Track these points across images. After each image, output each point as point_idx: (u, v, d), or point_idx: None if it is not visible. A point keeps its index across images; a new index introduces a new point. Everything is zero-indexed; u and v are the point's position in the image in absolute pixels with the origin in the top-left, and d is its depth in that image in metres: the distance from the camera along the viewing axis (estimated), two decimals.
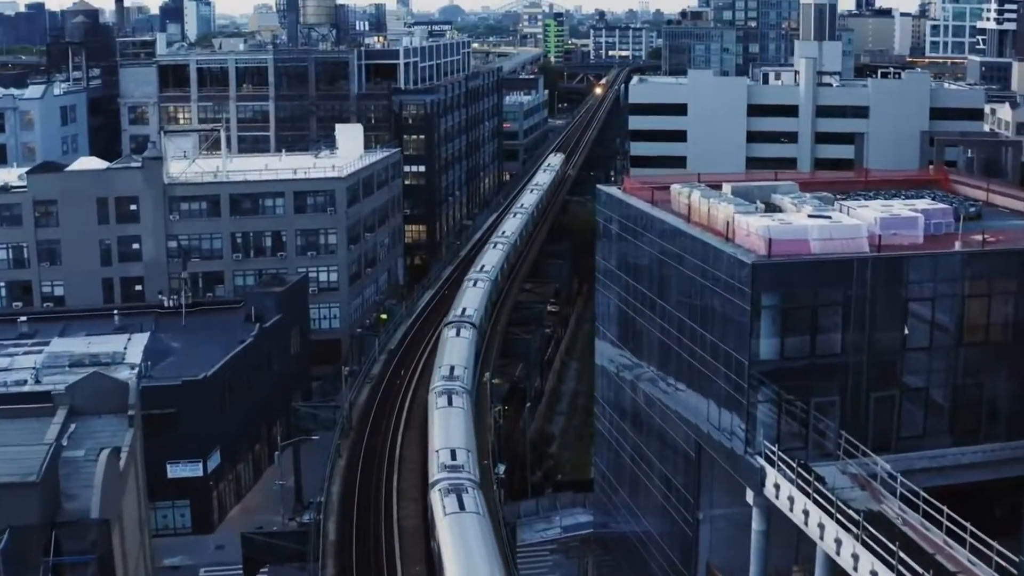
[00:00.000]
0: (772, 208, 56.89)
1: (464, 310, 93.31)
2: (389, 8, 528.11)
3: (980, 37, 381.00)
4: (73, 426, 61.67)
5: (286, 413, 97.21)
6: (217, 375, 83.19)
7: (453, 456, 62.52)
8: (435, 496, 59.00)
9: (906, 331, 49.36)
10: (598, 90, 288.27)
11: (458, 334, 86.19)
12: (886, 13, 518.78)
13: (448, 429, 67.50)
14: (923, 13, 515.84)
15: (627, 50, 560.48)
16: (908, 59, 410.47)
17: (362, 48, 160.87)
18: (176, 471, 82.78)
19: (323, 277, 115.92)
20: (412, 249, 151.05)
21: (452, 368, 78.70)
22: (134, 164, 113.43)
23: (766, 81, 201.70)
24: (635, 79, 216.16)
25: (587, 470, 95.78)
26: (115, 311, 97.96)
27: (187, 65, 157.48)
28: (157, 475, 79.64)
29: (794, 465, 44.88)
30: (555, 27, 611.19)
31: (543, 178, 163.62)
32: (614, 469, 66.63)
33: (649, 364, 59.20)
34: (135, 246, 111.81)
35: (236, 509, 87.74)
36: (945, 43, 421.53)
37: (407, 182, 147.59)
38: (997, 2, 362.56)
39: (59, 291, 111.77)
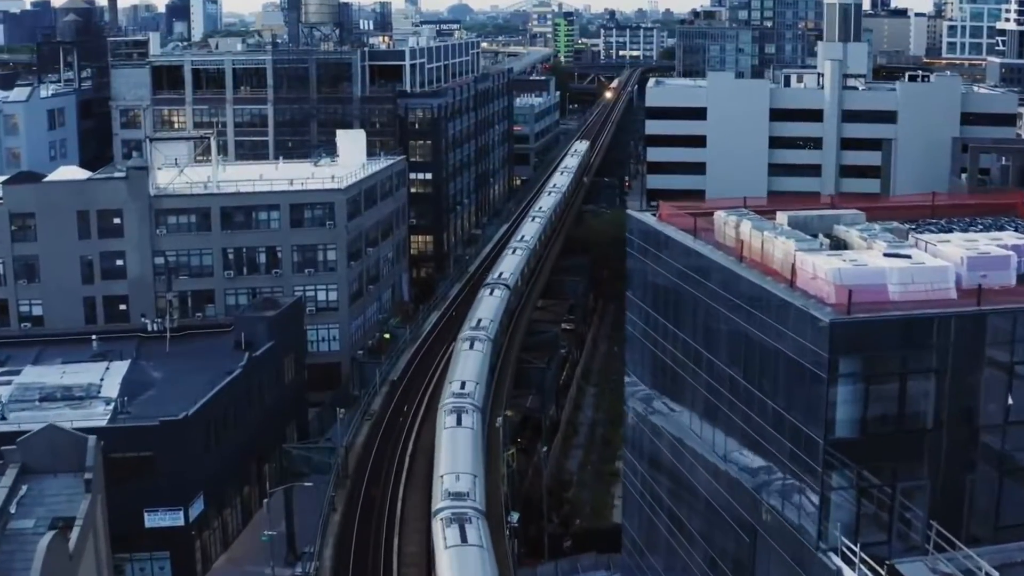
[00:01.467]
0: (837, 243, 48.60)
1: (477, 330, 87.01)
2: (397, 7, 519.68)
3: (999, 38, 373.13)
4: (24, 488, 53.65)
5: (279, 448, 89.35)
6: (200, 413, 74.90)
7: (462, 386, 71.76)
8: (439, 415, 69.41)
9: (1010, 400, 40.96)
10: (608, 94, 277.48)
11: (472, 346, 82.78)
12: (901, 13, 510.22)
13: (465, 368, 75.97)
14: (939, 13, 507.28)
15: (638, 50, 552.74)
16: (925, 60, 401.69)
17: (366, 49, 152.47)
18: (154, 520, 74.49)
19: (321, 296, 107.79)
20: (418, 261, 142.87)
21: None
22: (118, 174, 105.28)
23: (787, 84, 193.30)
24: (651, 81, 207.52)
25: (608, 513, 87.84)
26: (94, 336, 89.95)
27: (182, 66, 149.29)
28: (134, 524, 72.02)
29: (882, 572, 36.55)
30: (565, 26, 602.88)
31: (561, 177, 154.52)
32: (646, 534, 58.22)
33: (692, 421, 50.81)
34: (119, 262, 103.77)
35: (222, 559, 79.47)
36: (962, 44, 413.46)
37: (413, 190, 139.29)
38: (1017, 2, 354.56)
39: (37, 310, 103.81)
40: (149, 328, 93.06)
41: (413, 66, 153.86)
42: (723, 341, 46.77)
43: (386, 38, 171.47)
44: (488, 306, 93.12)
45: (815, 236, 48.67)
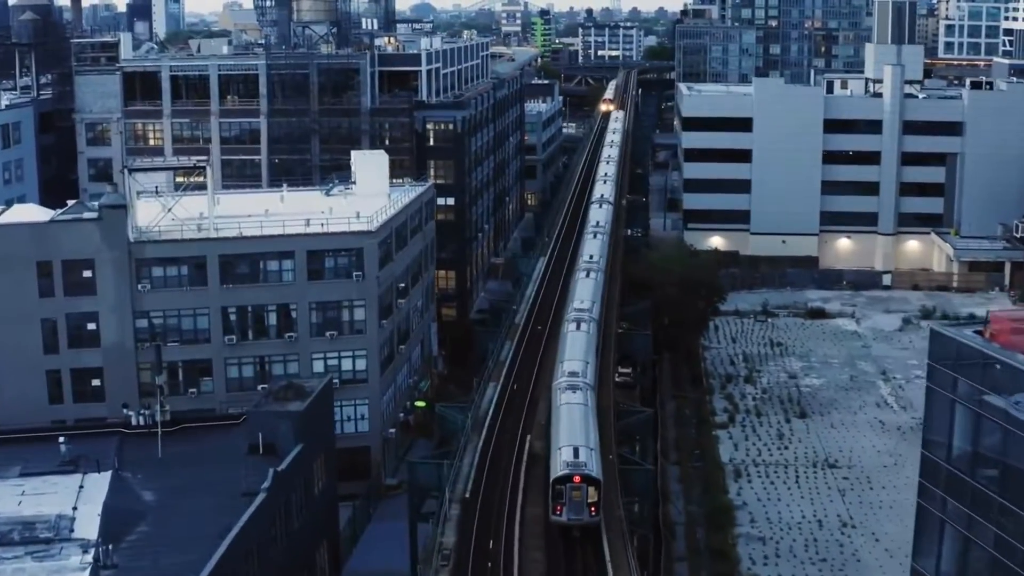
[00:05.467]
0: None
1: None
2: (362, 6, 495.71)
3: (1006, 38, 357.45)
4: None
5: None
6: (214, 573, 53.16)
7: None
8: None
9: None
10: (603, 107, 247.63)
11: None
12: None
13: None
14: (931, 12, 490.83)
15: (617, 50, 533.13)
16: (925, 61, 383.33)
17: (375, 52, 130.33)
18: None
19: (347, 365, 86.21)
20: (439, 302, 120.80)
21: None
22: (88, 214, 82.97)
23: (830, 90, 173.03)
24: (683, 87, 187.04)
25: None
26: (61, 436, 68.01)
27: (158, 72, 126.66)
28: None
29: None
30: (542, 25, 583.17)
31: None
32: None
33: None
34: (91, 327, 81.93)
35: None
36: (960, 44, 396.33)
37: None
38: None
39: None
40: (133, 421, 71.37)
41: (430, 72, 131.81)
42: None
43: (391, 39, 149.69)
44: (577, 345, 75.82)
45: None
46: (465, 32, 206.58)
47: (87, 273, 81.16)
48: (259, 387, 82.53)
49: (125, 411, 72.06)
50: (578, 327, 79.40)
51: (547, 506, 59.54)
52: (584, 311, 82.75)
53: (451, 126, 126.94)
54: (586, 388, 68.78)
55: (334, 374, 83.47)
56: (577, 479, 57.33)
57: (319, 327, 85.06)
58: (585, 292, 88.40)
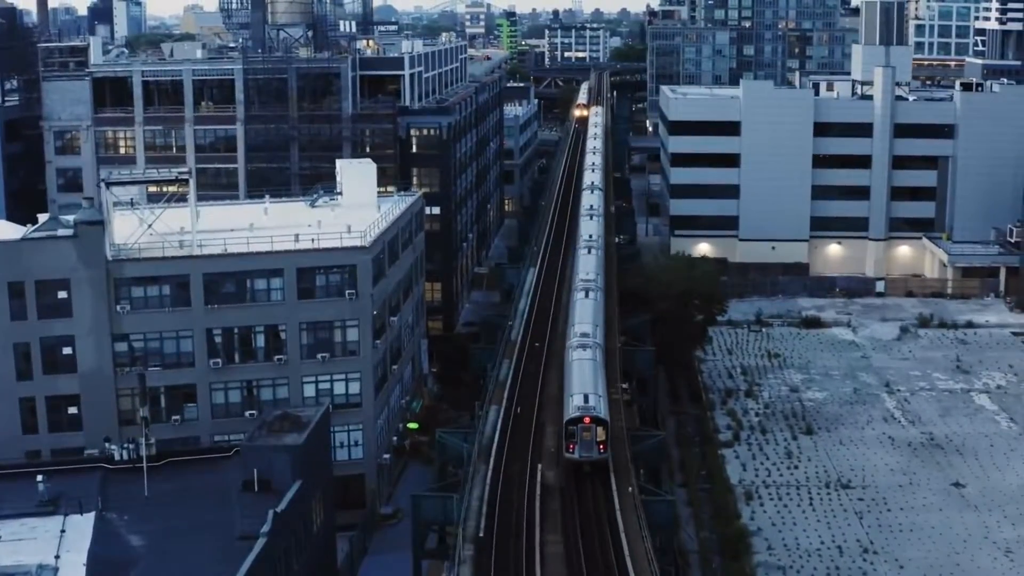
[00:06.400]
0: None
1: None
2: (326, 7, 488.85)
3: (978, 38, 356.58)
4: None
5: None
6: None
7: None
8: None
9: None
10: (578, 112, 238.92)
11: None
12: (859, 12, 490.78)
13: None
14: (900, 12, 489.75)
15: (584, 51, 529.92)
16: None
17: (356, 56, 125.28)
18: None
19: (339, 388, 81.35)
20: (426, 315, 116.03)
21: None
22: (63, 231, 77.71)
23: (816, 92, 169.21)
24: (666, 89, 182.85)
25: None
26: (40, 475, 62.91)
27: (130, 77, 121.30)
28: None
29: None
30: (508, 27, 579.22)
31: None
32: None
33: None
34: (66, 351, 76.70)
35: None
36: (930, 44, 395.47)
37: None
38: (999, 1, 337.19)
39: None
40: (116, 455, 66.43)
41: (412, 76, 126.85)
42: None
43: (370, 42, 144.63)
44: (586, 310, 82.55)
45: None
46: (444, 34, 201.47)
47: (62, 294, 76.01)
48: (247, 413, 78.16)
49: (107, 445, 67.13)
50: (586, 295, 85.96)
51: (560, 446, 66.17)
52: (591, 281, 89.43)
53: (436, 132, 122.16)
54: (595, 346, 75.27)
55: (326, 398, 78.88)
56: (587, 420, 64.10)
57: (310, 349, 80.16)
58: (589, 265, 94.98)
